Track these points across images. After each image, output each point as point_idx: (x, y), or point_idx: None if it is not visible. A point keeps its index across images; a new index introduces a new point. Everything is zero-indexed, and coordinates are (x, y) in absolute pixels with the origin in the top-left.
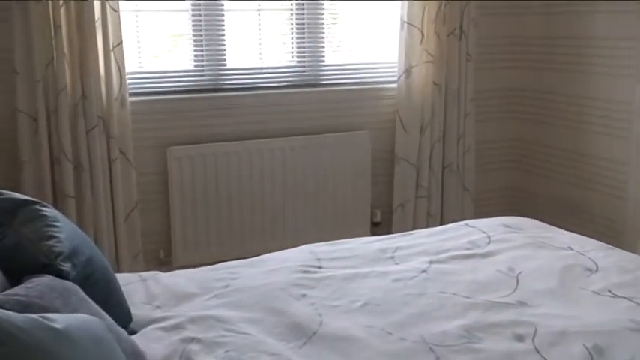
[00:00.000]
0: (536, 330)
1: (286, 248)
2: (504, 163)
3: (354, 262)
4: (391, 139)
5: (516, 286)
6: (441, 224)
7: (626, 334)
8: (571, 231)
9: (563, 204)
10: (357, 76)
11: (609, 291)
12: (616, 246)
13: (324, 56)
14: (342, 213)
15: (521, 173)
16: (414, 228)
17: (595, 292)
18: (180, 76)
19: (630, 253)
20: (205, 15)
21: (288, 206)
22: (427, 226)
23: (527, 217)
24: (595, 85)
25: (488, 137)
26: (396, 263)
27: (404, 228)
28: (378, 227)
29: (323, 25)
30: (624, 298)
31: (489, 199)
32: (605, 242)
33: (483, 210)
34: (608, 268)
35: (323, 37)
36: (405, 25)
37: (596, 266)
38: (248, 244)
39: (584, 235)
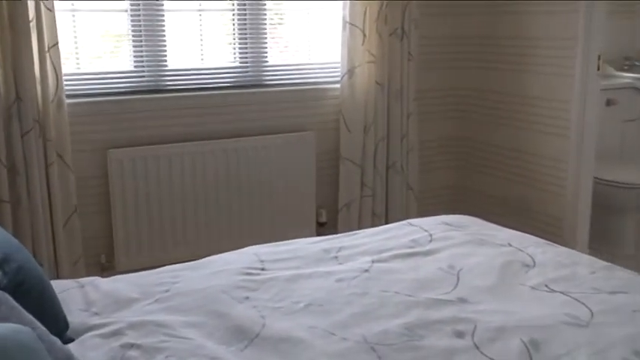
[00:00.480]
0: (475, 326)
1: (232, 250)
2: (447, 161)
3: (298, 263)
4: (335, 139)
5: (457, 284)
6: (386, 223)
7: (562, 327)
8: (513, 228)
9: (506, 201)
10: (301, 76)
11: (546, 286)
12: (557, 241)
13: (267, 57)
14: (287, 214)
15: (463, 171)
16: (360, 227)
17: (532, 288)
18: (120, 78)
19: (567, 249)
20: (145, 15)
21: (233, 208)
22: (372, 225)
23: (470, 214)
24: (535, 84)
25: (431, 136)
26: (340, 263)
27: (349, 227)
28: (324, 227)
29: (265, 26)
30: (560, 292)
31: (433, 197)
32: (547, 238)
33: (427, 208)
34: (546, 264)
35: (265, 38)
36: (347, 25)
37: (534, 262)
38: (192, 247)
39: (526, 231)
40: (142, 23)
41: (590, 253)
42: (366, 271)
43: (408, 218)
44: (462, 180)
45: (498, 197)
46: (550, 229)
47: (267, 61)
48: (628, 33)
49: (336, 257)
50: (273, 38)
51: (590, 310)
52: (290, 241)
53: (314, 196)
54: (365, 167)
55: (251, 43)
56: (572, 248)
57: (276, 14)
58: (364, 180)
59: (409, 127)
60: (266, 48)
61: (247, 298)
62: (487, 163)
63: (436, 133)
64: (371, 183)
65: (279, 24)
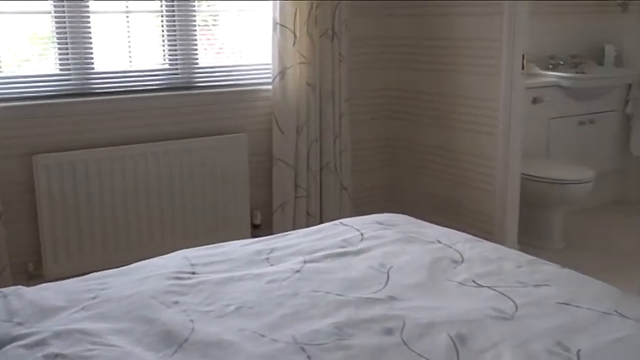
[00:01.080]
0: (404, 323)
1: (165, 255)
2: (380, 161)
3: (229, 265)
4: (268, 141)
5: (387, 282)
6: (321, 223)
7: (488, 321)
8: (445, 225)
9: (437, 199)
10: (232, 78)
11: (473, 281)
12: (487, 237)
13: (197, 58)
14: (221, 216)
15: (396, 171)
16: (295, 228)
17: (460, 283)
18: (45, 81)
19: (494, 244)
20: (70, 16)
21: (165, 212)
22: (307, 226)
23: (403, 213)
24: (463, 84)
25: (363, 136)
26: (271, 265)
27: (284, 228)
28: (259, 229)
29: (195, 27)
30: (487, 287)
31: (367, 197)
32: (477, 235)
33: (361, 208)
34: (473, 260)
35: (195, 39)
36: (278, 26)
37: (462, 258)
38: (124, 252)
39: (458, 228)
40: (66, 25)
41: (519, 248)
42: (298, 271)
43: (342, 218)
44: (394, 179)
45: (430, 195)
46: (481, 226)
47: (197, 63)
48: (553, 33)
49: (267, 259)
50: (209, 40)
51: (515, 304)
52: (221, 243)
53: (248, 198)
54: (298, 168)
55: (180, 44)
56: (502, 243)
57: (209, 15)
58: (298, 181)
59: (342, 128)
60: (196, 49)
61: (177, 302)
62: (418, 162)
63: (368, 133)
64: (305, 184)
65: (210, 25)
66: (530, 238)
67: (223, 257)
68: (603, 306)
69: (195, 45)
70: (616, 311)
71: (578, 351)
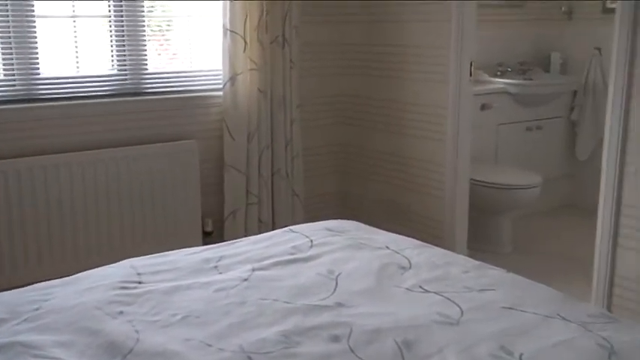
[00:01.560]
0: (351, 330)
1: (111, 264)
2: (332, 167)
3: (176, 274)
4: (219, 147)
5: (335, 288)
6: (273, 230)
7: (434, 326)
8: (396, 231)
9: (388, 205)
10: (182, 84)
11: (420, 287)
12: (437, 243)
13: (146, 64)
14: (172, 224)
15: (348, 177)
16: (247, 235)
17: (408, 289)
18: None
19: (442, 250)
20: (14, 20)
21: (114, 220)
22: (259, 233)
23: (355, 219)
24: (413, 91)
25: (315, 143)
26: (220, 273)
27: (236, 236)
28: (210, 237)
29: (144, 32)
30: (434, 292)
31: (319, 203)
32: (428, 240)
33: (314, 214)
34: (421, 265)
35: (145, 44)
36: (228, 32)
37: (410, 264)
38: (71, 262)
39: (408, 234)
40: (10, 29)
41: (469, 253)
42: (246, 280)
43: (294, 224)
44: (346, 185)
45: (381, 201)
46: (430, 231)
47: (146, 69)
48: (501, 41)
49: (216, 267)
50: (161, 45)
51: (461, 309)
52: (169, 252)
53: (199, 206)
54: (250, 175)
55: (129, 50)
56: (452, 248)
57: (159, 20)
58: (249, 187)
59: (293, 134)
60: (145, 55)
61: (122, 312)
62: (370, 168)
63: (320, 139)
64: (256, 190)
65: (160, 30)
66: (480, 242)
67: (171, 266)
68: (546, 310)
69: (145, 50)
70: (559, 315)
71: (521, 355)
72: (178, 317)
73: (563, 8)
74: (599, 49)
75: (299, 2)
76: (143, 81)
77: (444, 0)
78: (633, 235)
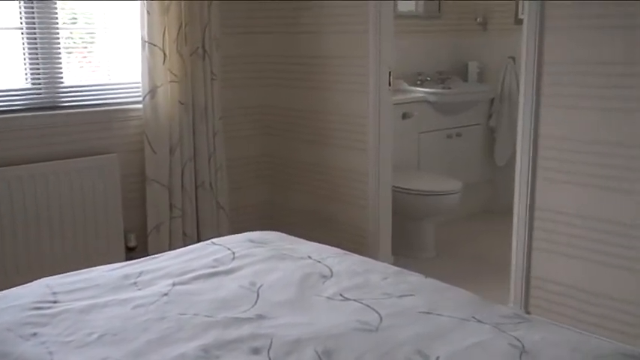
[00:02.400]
0: (272, 341)
1: (26, 284)
2: (257, 178)
3: (94, 292)
4: (141, 161)
5: (257, 300)
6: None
7: (354, 334)
8: (322, 240)
9: (313, 215)
10: (101, 97)
11: (341, 295)
12: (362, 251)
13: (62, 77)
14: (93, 241)
15: (273, 188)
16: (171, 249)
17: (328, 298)
18: None
19: (363, 257)
20: None
21: (32, 239)
22: (184, 247)
23: (281, 230)
24: (334, 101)
25: (239, 154)
26: (139, 289)
27: (160, 250)
28: (134, 252)
29: (59, 45)
30: (354, 300)
31: (245, 214)
32: (353, 248)
33: (240, 226)
34: (341, 274)
35: (60, 57)
36: (147, 44)
37: (331, 272)
38: None
39: (333, 243)
40: None
41: (394, 259)
42: (166, 295)
43: (220, 237)
44: (272, 196)
45: (306, 211)
46: (356, 239)
47: (62, 82)
48: (420, 50)
49: (135, 283)
50: (84, 57)
51: (380, 315)
52: (87, 269)
53: (121, 221)
54: (173, 188)
55: (43, 63)
56: (376, 255)
57: (75, 33)
58: (173, 201)
59: (216, 146)
60: (61, 68)
61: (35, 334)
62: (294, 178)
63: (244, 150)
64: (180, 204)
65: (77, 43)
66: (405, 248)
67: (88, 284)
68: (462, 313)
69: (60, 63)
70: (473, 317)
71: (437, 358)
72: (94, 336)
73: (478, 19)
74: (513, 58)
75: (218, 14)
76: (59, 94)
77: (362, 5)
78: (546, 237)
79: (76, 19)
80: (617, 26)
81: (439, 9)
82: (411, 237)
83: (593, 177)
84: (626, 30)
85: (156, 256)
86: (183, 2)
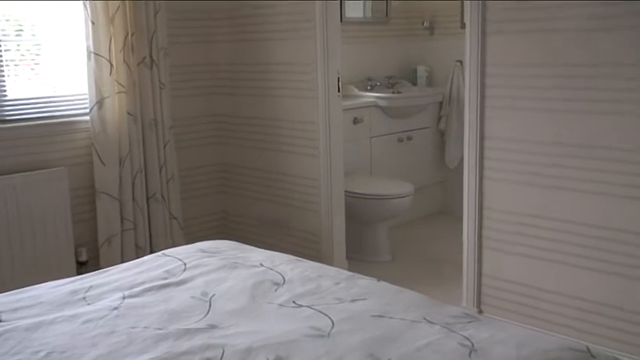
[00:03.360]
0: (224, 351)
1: None
2: (210, 187)
3: (41, 309)
4: (90, 174)
5: (208, 310)
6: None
7: (305, 341)
8: (276, 247)
9: (268, 222)
10: (47, 109)
11: (293, 302)
12: (317, 256)
13: (5, 90)
14: (43, 256)
15: (227, 196)
16: (123, 262)
17: (280, 305)
18: None
19: (315, 263)
20: None
21: None
22: (137, 258)
23: (237, 238)
24: (284, 108)
25: (191, 164)
26: (88, 304)
27: (112, 263)
28: (85, 266)
29: (1, 58)
30: (306, 306)
31: (199, 224)
32: (307, 254)
33: (194, 236)
34: (294, 280)
35: (2, 70)
36: (92, 55)
37: (284, 279)
38: None
39: (288, 249)
40: None
41: (349, 264)
42: (116, 308)
43: (174, 248)
44: (226, 205)
45: (260, 219)
46: (310, 245)
47: (6, 95)
48: (369, 56)
49: (84, 298)
50: (32, 69)
51: (332, 321)
52: (34, 286)
53: (71, 235)
54: (124, 200)
55: None
56: (331, 261)
57: (34, 45)
58: (124, 213)
59: (167, 156)
60: (4, 81)
61: None
62: (247, 186)
63: (197, 160)
64: (131, 216)
65: (21, 55)
66: (359, 252)
67: (34, 301)
68: (413, 315)
69: (2, 76)
70: (424, 318)
71: None
72: (42, 354)
73: (425, 24)
74: (460, 62)
75: (165, 23)
76: (3, 108)
77: (309, 12)
78: (495, 236)
79: (21, 31)
80: (556, 29)
81: (387, 14)
82: (365, 241)
83: (538, 176)
84: (564, 32)
85: (105, 269)
86: (128, 12)
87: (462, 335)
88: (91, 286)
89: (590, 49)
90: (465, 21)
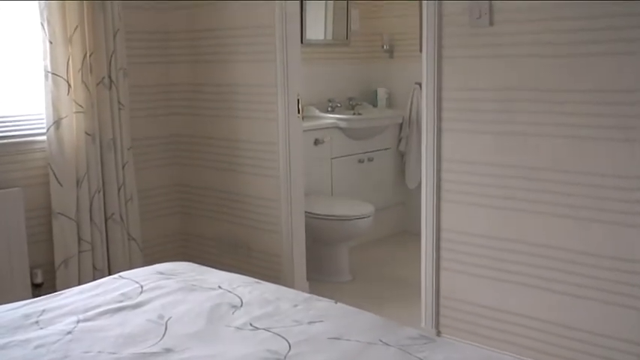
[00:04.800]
0: None
1: None
2: (170, 208)
3: None
4: (46, 194)
5: (164, 334)
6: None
7: None
8: (237, 268)
9: (227, 244)
10: (2, 129)
11: (251, 324)
12: (277, 277)
13: None
14: None
15: (187, 217)
16: (80, 284)
17: (238, 328)
18: None
19: (274, 285)
20: None
21: None
22: (95, 280)
23: (197, 260)
24: (244, 129)
25: (150, 184)
26: (41, 328)
27: (69, 285)
28: (41, 288)
29: None
30: (263, 329)
31: (158, 245)
32: (268, 275)
33: (153, 257)
34: (252, 303)
35: None
36: (50, 75)
37: (242, 302)
38: None
39: (248, 270)
40: None
41: (310, 285)
42: (70, 332)
43: (132, 269)
44: (185, 226)
45: (220, 240)
46: (270, 266)
47: None
48: (330, 77)
49: (37, 322)
50: None
51: (289, 343)
52: None
53: (26, 257)
54: (81, 221)
55: None
56: (291, 282)
57: None
58: (81, 234)
59: (126, 177)
60: None
61: None
62: (207, 207)
63: (156, 180)
64: (89, 237)
65: None
66: (321, 273)
67: None
68: (369, 337)
69: None
70: (380, 340)
71: None
72: None
73: (384, 47)
74: (419, 84)
75: (124, 44)
76: None
77: (268, 34)
78: (453, 257)
79: None
80: (507, 55)
81: (347, 37)
82: (325, 262)
83: (493, 198)
84: (515, 58)
85: (60, 292)
86: (87, 32)
87: (417, 357)
88: (44, 310)
89: (541, 74)
90: (422, 44)
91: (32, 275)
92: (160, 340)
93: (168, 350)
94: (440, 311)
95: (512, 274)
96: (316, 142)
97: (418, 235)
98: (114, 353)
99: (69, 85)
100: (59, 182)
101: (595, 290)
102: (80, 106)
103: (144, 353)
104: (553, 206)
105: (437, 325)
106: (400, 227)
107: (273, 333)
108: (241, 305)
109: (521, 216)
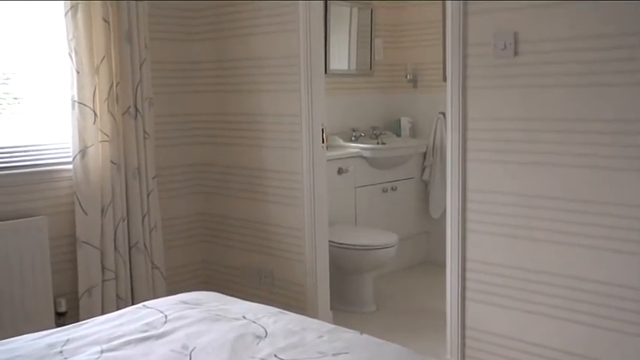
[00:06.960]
0: None
1: None
2: (193, 237)
3: None
4: (71, 223)
5: None
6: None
7: None
8: (259, 297)
9: (251, 273)
10: (28, 158)
11: (275, 356)
12: (300, 307)
13: None
14: (20, 307)
15: (210, 246)
16: (104, 313)
17: (262, 359)
18: None
19: (298, 315)
20: None
21: None
22: (118, 310)
23: (219, 289)
24: (268, 158)
25: (174, 213)
26: (65, 358)
27: (92, 314)
28: (64, 317)
29: None
30: None
31: (181, 274)
32: (291, 305)
33: (176, 286)
34: (277, 334)
35: None
36: (76, 104)
37: (266, 332)
38: None
39: (271, 300)
40: None
41: (333, 314)
42: None
43: (156, 298)
44: (209, 255)
45: (244, 269)
46: (294, 296)
47: None
48: (354, 107)
49: (61, 352)
50: (16, 118)
51: None
52: (11, 339)
53: (50, 285)
54: (105, 250)
55: None
56: (315, 312)
57: (16, 95)
58: (105, 263)
59: (150, 206)
60: None
61: None
62: (231, 236)
63: (180, 209)
64: (112, 266)
65: (9, 104)
66: (344, 303)
67: (10, 354)
68: None
69: None
70: None
71: None
72: None
73: (408, 77)
74: (443, 114)
75: (150, 74)
76: None
77: (293, 65)
78: (478, 287)
79: (9, 78)
80: (532, 85)
81: (371, 67)
82: (349, 292)
83: (519, 228)
84: (540, 88)
85: (84, 322)
86: (114, 62)
87: None
88: (68, 339)
89: (565, 104)
90: (446, 74)
91: (56, 304)
92: None
93: None
94: (465, 342)
95: (537, 305)
96: (340, 171)
97: (442, 264)
98: None
99: (95, 115)
100: (84, 211)
101: (621, 322)
102: (106, 135)
103: None
104: (578, 237)
105: (462, 356)
106: (424, 257)
107: None
108: (266, 336)
109: (548, 247)
